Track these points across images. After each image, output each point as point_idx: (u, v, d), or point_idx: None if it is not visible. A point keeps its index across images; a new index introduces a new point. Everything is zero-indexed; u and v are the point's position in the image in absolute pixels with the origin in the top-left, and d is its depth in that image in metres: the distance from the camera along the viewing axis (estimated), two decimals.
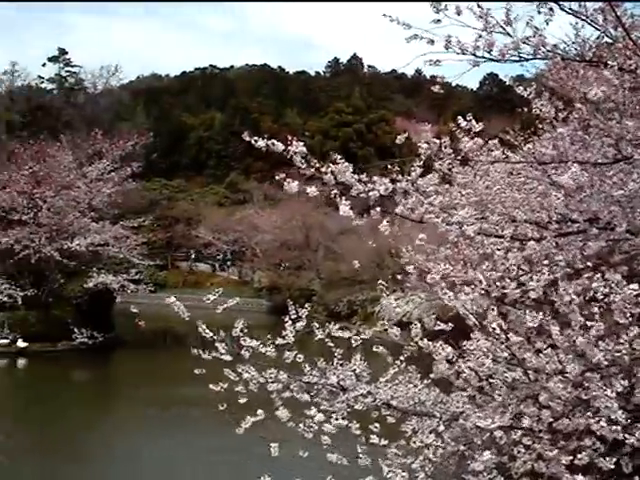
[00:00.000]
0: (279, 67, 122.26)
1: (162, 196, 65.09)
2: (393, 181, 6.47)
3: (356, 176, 6.40)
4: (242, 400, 7.56)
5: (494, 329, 6.04)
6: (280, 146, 6.18)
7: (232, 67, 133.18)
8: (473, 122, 6.55)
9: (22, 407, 20.83)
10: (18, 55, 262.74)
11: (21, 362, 28.92)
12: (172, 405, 19.90)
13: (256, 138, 6.36)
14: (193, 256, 64.48)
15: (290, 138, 6.14)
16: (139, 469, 14.13)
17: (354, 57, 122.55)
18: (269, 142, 6.21)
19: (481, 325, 6.36)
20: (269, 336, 7.38)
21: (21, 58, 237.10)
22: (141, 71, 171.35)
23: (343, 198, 6.35)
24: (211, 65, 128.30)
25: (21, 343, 29.54)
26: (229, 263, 64.24)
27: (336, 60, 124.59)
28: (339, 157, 6.35)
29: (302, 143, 6.19)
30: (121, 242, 32.71)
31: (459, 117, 6.60)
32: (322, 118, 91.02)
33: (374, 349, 7.63)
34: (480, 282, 6.39)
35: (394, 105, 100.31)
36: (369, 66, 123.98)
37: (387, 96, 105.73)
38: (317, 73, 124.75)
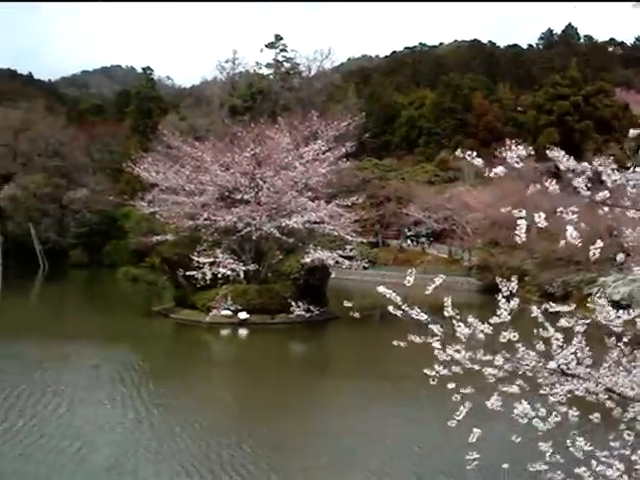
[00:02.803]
0: (489, 42, 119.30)
1: (374, 175, 66.12)
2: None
3: (574, 163, 6.20)
4: (451, 385, 7.64)
5: None
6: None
7: (441, 44, 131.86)
8: None
9: (243, 373, 22.10)
10: (238, 43, 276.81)
11: (242, 332, 30.49)
12: (382, 379, 20.27)
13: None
14: (409, 233, 64.98)
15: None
16: (355, 442, 14.56)
17: (569, 27, 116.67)
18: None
19: None
20: (480, 315, 7.33)
21: (240, 46, 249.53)
22: (352, 53, 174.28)
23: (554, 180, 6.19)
24: (420, 43, 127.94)
25: (242, 315, 31.13)
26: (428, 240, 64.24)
27: (550, 31, 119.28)
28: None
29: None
30: (335, 220, 33.51)
31: None
32: (536, 92, 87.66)
33: (594, 332, 7.41)
34: None
35: (613, 76, 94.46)
36: (585, 36, 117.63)
37: (605, 67, 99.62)
38: (529, 46, 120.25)
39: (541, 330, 7.33)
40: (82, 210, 74.57)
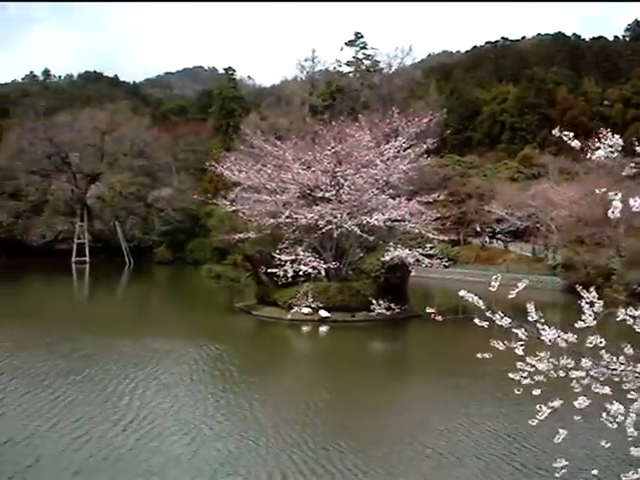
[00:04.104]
0: (573, 34, 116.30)
1: (455, 172, 65.44)
2: None
3: None
4: (536, 391, 7.48)
5: None
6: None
7: (524, 38, 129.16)
8: None
9: (327, 370, 22.18)
10: (318, 42, 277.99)
11: (323, 329, 30.55)
12: (459, 377, 20.03)
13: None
14: (493, 231, 64.03)
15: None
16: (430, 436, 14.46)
17: None
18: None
19: None
20: (565, 316, 7.16)
21: (320, 44, 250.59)
22: (433, 49, 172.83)
23: None
24: (502, 37, 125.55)
25: (323, 312, 31.26)
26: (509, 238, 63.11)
27: (637, 22, 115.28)
28: None
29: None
30: (416, 217, 33.22)
31: None
32: (623, 85, 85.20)
33: None
34: None
35: None
36: None
37: None
38: (615, 38, 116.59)
39: (628, 332, 7.13)
40: (166, 208, 76.25)
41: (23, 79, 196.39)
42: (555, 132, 6.75)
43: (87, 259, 77.85)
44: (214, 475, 11.91)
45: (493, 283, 7.36)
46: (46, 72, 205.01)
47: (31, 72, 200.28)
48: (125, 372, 19.67)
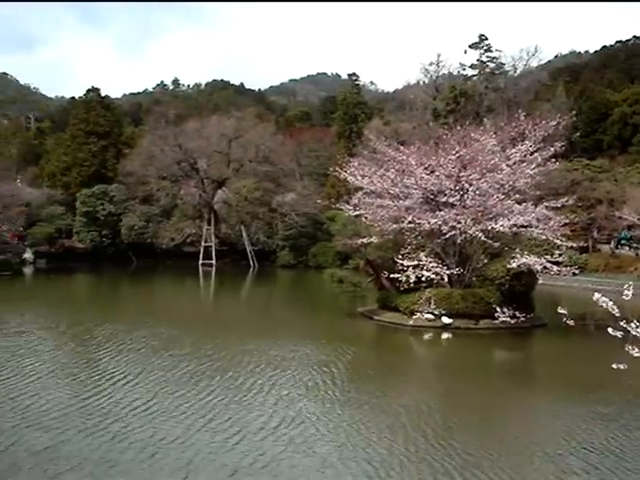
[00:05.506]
0: None
1: (584, 176, 63.32)
2: None
3: None
4: None
5: None
6: None
7: None
8: None
9: (449, 377, 21.90)
10: (441, 46, 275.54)
11: (445, 336, 30.10)
12: (581, 393, 19.29)
13: None
14: (622, 237, 61.51)
15: None
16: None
17: None
18: None
19: None
20: None
21: (444, 48, 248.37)
22: (560, 49, 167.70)
23: None
24: (634, 36, 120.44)
25: (445, 319, 30.84)
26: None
27: None
28: None
29: None
30: (543, 223, 32.29)
31: None
32: None
33: None
34: None
35: None
36: None
37: None
38: None
39: None
40: (290, 213, 77.74)
41: (154, 88, 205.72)
42: None
43: (213, 262, 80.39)
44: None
45: (627, 292, 7.07)
46: (176, 81, 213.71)
47: (162, 81, 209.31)
48: (269, 374, 20.05)
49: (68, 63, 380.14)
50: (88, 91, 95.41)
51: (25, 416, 14.88)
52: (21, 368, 20.10)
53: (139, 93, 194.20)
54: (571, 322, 8.25)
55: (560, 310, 8.26)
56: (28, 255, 77.20)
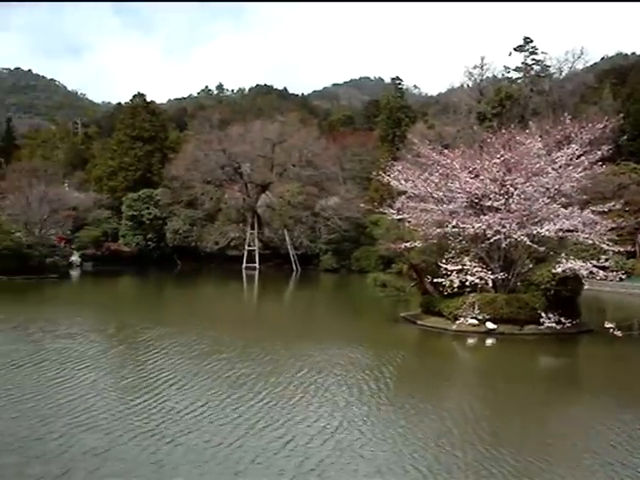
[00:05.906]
0: None
1: (632, 180, 62.39)
2: None
3: None
4: None
5: None
6: None
7: None
8: None
9: (492, 383, 21.80)
10: (485, 48, 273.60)
11: (489, 341, 29.89)
12: (631, 399, 19.02)
13: None
14: None
15: None
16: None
17: None
18: None
19: None
20: None
21: (488, 51, 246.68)
22: (606, 51, 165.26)
23: None
24: None
25: (490, 324, 30.60)
26: None
27: None
28: None
29: None
30: (590, 228, 31.87)
31: None
32: None
33: None
34: None
35: None
36: None
37: None
38: None
39: None
40: (333, 217, 77.99)
41: (199, 93, 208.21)
42: None
43: (257, 265, 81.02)
44: None
45: None
46: (220, 86, 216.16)
47: (206, 87, 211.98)
48: (316, 378, 20.14)
49: (115, 69, 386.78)
50: (134, 97, 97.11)
51: (78, 418, 15.19)
52: (76, 371, 20.45)
53: (184, 98, 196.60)
54: (618, 333, 8.22)
55: (607, 325, 8.24)
56: (75, 258, 78.71)
